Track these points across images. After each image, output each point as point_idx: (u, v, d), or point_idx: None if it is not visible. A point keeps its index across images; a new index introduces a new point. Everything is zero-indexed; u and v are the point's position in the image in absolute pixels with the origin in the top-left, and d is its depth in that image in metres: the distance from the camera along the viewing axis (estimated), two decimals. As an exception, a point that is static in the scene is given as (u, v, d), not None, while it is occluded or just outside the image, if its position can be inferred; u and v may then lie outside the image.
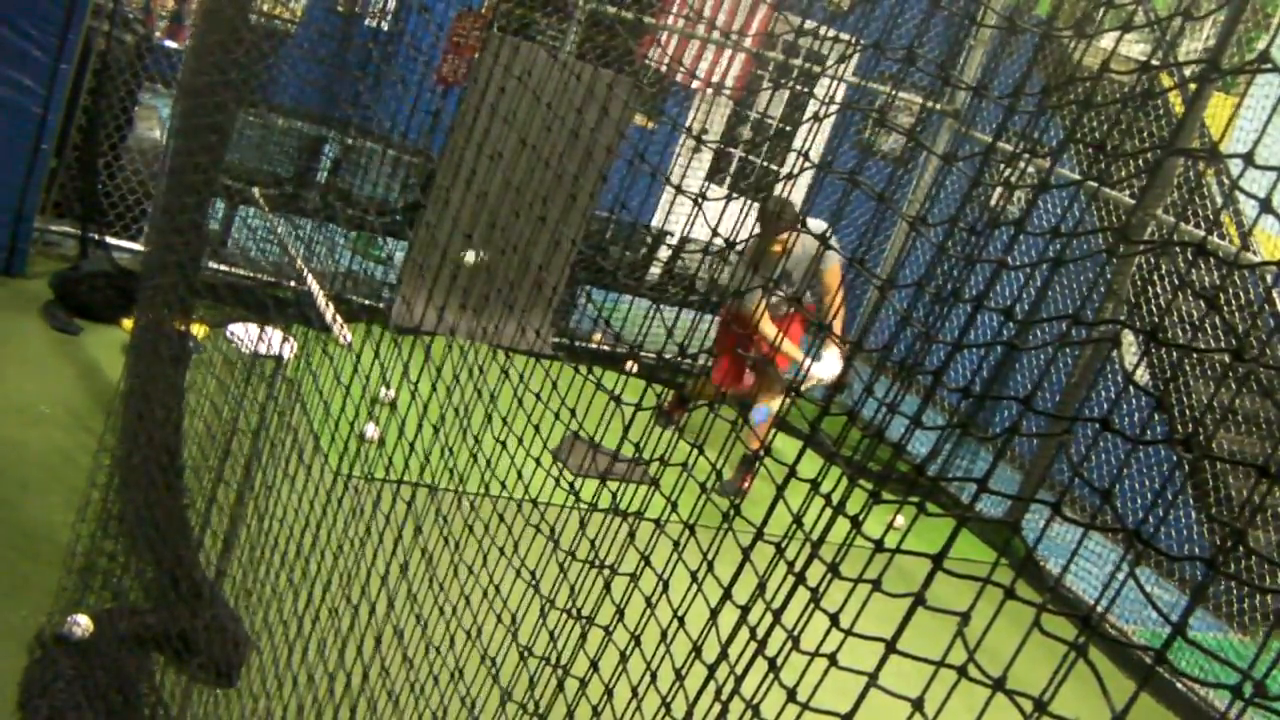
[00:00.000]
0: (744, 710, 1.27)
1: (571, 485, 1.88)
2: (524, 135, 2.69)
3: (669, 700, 1.42)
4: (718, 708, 1.35)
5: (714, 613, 1.42)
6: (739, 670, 1.33)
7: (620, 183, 6.47)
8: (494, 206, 5.28)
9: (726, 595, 1.42)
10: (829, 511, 1.30)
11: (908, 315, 1.35)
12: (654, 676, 1.51)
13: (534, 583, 1.84)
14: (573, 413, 1.89)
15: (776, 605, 1.31)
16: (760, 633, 1.32)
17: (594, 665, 1.65)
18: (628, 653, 1.60)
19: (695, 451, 1.64)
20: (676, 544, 1.59)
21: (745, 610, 1.35)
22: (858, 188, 1.51)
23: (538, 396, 2.06)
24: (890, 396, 1.30)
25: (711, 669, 1.37)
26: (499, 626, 1.90)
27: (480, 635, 1.93)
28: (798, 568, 1.30)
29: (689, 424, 6.10)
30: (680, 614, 1.53)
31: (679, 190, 1.74)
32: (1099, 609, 4.30)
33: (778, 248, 5.33)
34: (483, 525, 2.03)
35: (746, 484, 5.57)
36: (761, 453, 5.48)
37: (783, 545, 1.34)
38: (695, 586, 1.51)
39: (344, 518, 2.27)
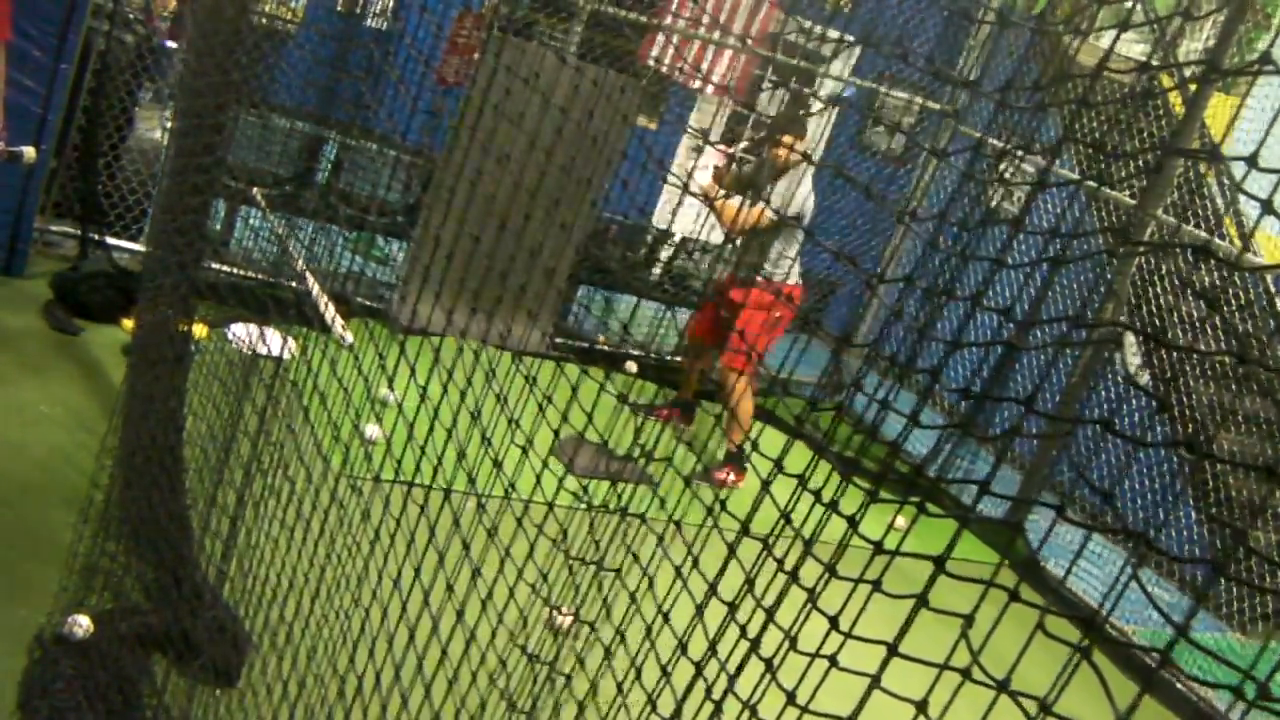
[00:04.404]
0: (741, 710, 1.26)
1: (585, 488, 1.88)
2: (524, 135, 2.69)
3: (681, 702, 1.42)
4: (716, 708, 1.35)
5: (732, 609, 1.41)
6: (732, 669, 1.33)
7: (622, 182, 6.46)
8: (494, 206, 5.28)
9: (743, 599, 1.42)
10: (822, 510, 1.30)
11: (899, 311, 1.35)
12: (667, 676, 1.50)
13: (541, 586, 1.84)
14: (589, 416, 1.89)
15: (769, 604, 1.30)
16: (753, 632, 1.32)
17: (610, 668, 1.65)
18: (640, 657, 1.60)
19: (684, 448, 1.64)
20: (690, 547, 1.59)
21: (733, 607, 1.35)
22: (866, 193, 1.50)
23: (549, 399, 2.05)
24: (883, 393, 1.30)
25: (720, 669, 1.37)
26: (500, 628, 1.90)
27: (475, 636, 1.93)
28: (791, 567, 1.30)
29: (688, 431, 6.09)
30: (681, 612, 1.53)
31: (687, 192, 1.75)
32: (1104, 613, 4.29)
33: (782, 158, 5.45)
34: (484, 526, 2.03)
35: (727, 477, 5.56)
36: (745, 448, 5.47)
37: (770, 541, 1.34)
38: (710, 591, 1.50)
39: (340, 519, 2.27)
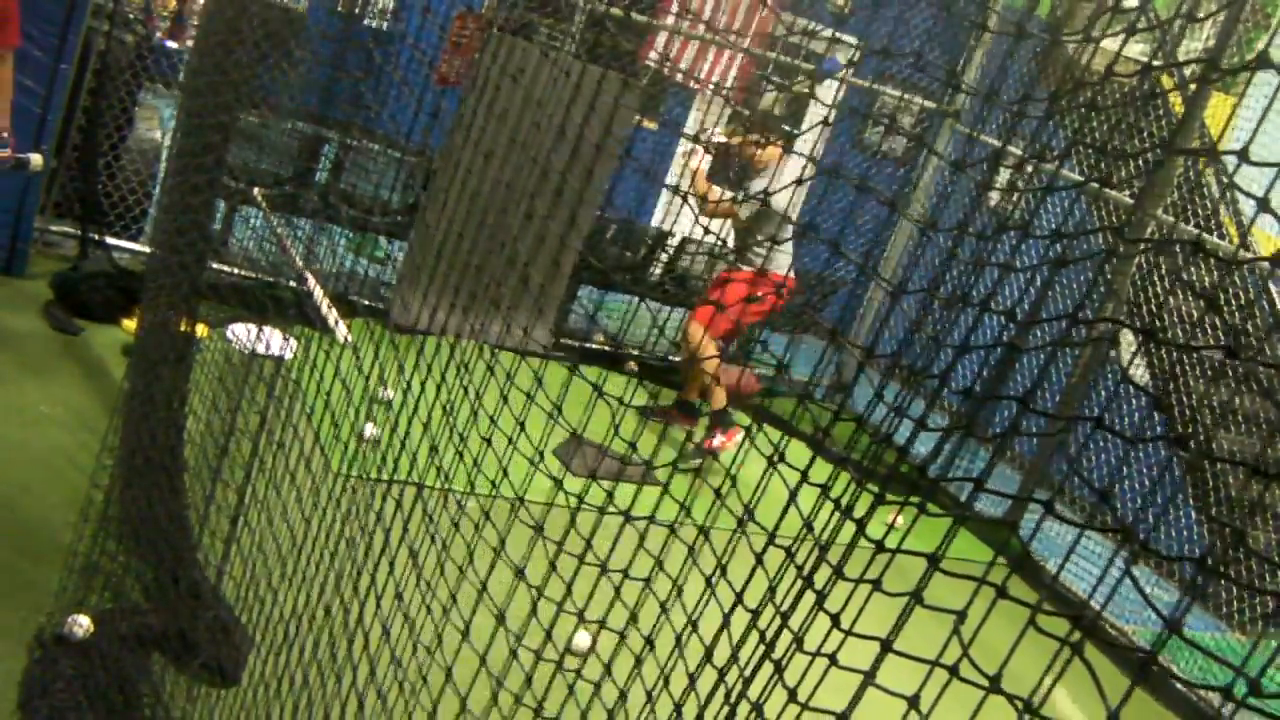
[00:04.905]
0: (749, 712, 1.27)
1: (596, 487, 1.88)
2: (523, 136, 2.70)
3: (703, 707, 1.42)
4: (726, 709, 1.35)
5: (755, 615, 1.41)
6: (747, 672, 1.33)
7: (621, 183, 6.47)
8: (493, 207, 5.28)
9: (744, 601, 1.42)
10: (833, 514, 1.31)
11: (920, 322, 1.35)
12: (693, 682, 1.51)
13: (544, 587, 1.84)
14: (562, 410, 1.89)
15: (784, 607, 1.31)
16: (768, 635, 1.32)
17: (640, 676, 1.66)
18: (642, 656, 1.60)
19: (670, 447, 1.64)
20: (691, 549, 1.60)
21: (756, 614, 1.35)
22: (892, 206, 1.51)
23: (549, 398, 2.06)
24: (895, 399, 1.30)
25: (740, 675, 1.37)
26: (505, 631, 1.90)
27: (467, 636, 1.93)
28: (805, 571, 1.30)
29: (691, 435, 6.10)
30: (689, 617, 1.53)
31: (686, 197, 1.75)
32: (1094, 608, 4.30)
33: (756, 153, 5.51)
34: (478, 527, 2.04)
35: (716, 443, 5.57)
36: (726, 410, 5.48)
37: (786, 546, 1.35)
38: (712, 591, 1.51)
39: (342, 518, 2.27)
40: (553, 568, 1.80)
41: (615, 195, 6.59)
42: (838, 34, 7.12)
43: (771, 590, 1.35)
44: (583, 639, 3.50)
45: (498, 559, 1.85)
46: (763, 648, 1.32)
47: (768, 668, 1.31)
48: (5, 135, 4.29)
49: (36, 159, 4.39)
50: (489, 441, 2.02)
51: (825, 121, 1.87)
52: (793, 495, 1.38)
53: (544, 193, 5.48)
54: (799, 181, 5.24)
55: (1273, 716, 1.10)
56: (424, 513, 2.10)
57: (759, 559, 1.39)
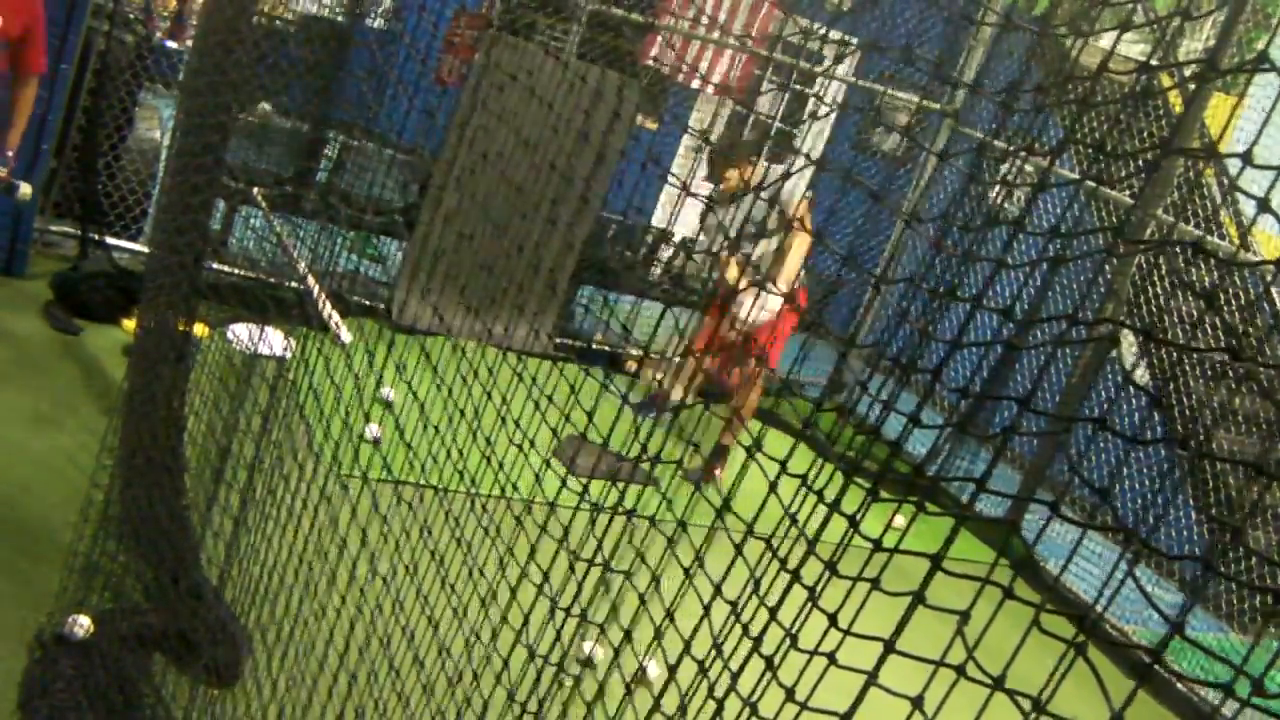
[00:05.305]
0: (741, 708, 1.27)
1: (585, 487, 1.88)
2: (532, 137, 2.70)
3: (686, 701, 1.42)
4: (719, 707, 1.35)
5: (735, 608, 1.41)
6: (734, 667, 1.33)
7: (622, 183, 6.47)
8: (500, 208, 5.28)
9: (748, 599, 1.42)
10: (824, 509, 1.30)
11: (905, 312, 1.35)
12: (673, 675, 1.51)
13: (544, 586, 1.84)
14: (593, 418, 1.89)
15: (772, 603, 1.31)
16: (756, 630, 1.32)
17: (619, 667, 1.65)
18: (650, 651, 1.60)
19: (684, 447, 1.64)
20: (697, 549, 1.59)
21: (736, 605, 1.35)
22: (858, 186, 1.51)
23: (556, 400, 2.06)
24: (885, 394, 1.30)
25: (724, 668, 1.37)
26: (505, 626, 1.90)
27: (469, 632, 1.93)
28: (793, 566, 1.30)
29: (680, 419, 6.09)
30: (683, 613, 1.53)
31: (690, 194, 1.75)
32: (1098, 609, 4.30)
33: (730, 184, 5.38)
34: (481, 524, 2.03)
35: (716, 472, 5.59)
36: (737, 445, 5.46)
37: (773, 541, 1.34)
38: (715, 591, 1.50)
39: (344, 518, 2.27)
40: (593, 577, 1.80)
41: (621, 196, 6.59)
42: (835, 33, 7.11)
43: (756, 583, 1.34)
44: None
45: (525, 564, 1.85)
46: (749, 642, 1.32)
47: (759, 664, 1.30)
48: (9, 154, 4.31)
49: (25, 189, 4.42)
50: (524, 446, 2.02)
51: (814, 115, 1.88)
52: (772, 486, 1.38)
53: (568, 197, 5.48)
54: (786, 175, 5.20)
55: (1275, 716, 1.09)
56: (440, 511, 2.10)
57: (738, 548, 1.39)
